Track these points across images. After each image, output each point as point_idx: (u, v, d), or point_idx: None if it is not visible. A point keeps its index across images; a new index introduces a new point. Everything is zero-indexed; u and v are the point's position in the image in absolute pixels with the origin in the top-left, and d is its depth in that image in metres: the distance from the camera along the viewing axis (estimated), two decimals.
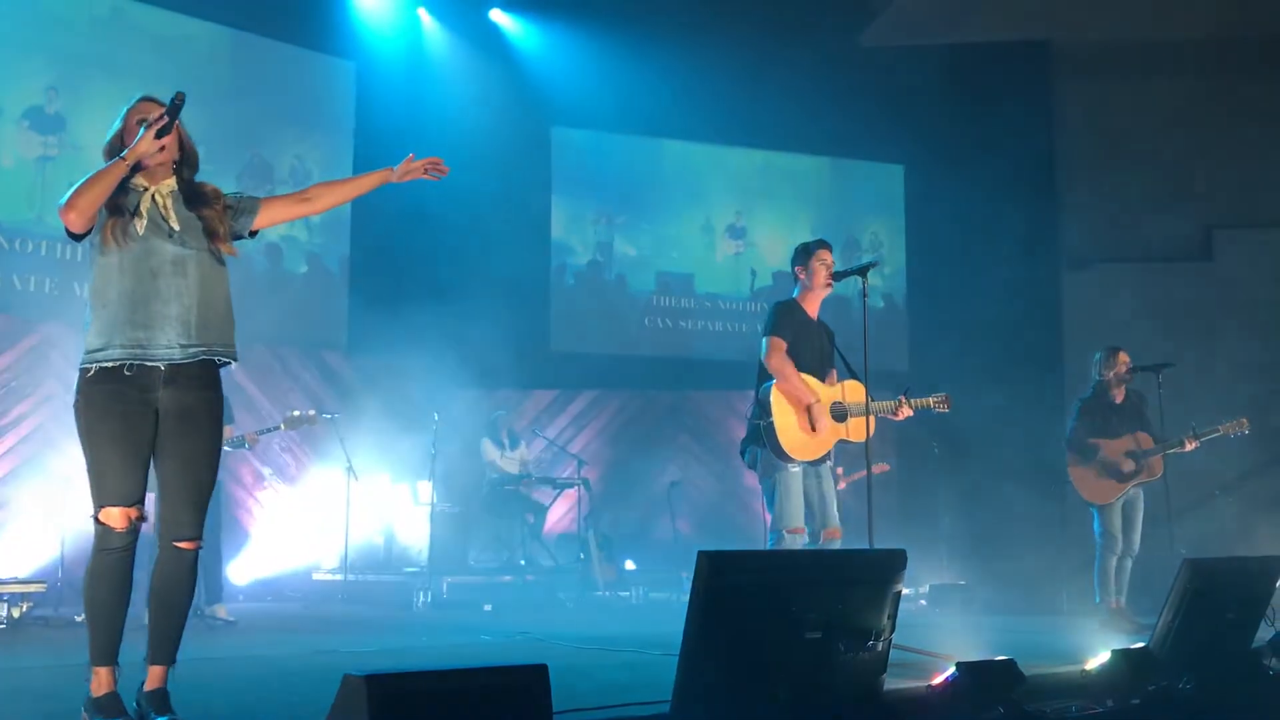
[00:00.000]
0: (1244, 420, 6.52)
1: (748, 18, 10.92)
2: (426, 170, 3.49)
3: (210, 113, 9.16)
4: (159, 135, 3.05)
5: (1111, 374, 6.69)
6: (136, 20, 9.37)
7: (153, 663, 3.09)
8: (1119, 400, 6.68)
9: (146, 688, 3.06)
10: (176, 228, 3.12)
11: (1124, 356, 6.70)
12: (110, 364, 3.05)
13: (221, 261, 3.20)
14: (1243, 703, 4.10)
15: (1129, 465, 6.55)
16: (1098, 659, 4.05)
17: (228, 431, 7.18)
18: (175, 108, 3.08)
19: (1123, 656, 3.95)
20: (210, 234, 3.15)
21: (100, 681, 3.04)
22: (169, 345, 3.07)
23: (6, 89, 8.95)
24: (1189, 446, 6.51)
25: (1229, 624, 4.25)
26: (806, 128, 11.41)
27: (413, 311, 9.49)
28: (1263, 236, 10.76)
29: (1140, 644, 4.13)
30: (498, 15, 11.41)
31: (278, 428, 7.41)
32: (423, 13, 11.01)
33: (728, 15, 10.88)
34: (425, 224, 10.28)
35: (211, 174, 3.37)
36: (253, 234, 3.34)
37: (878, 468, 7.25)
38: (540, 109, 11.30)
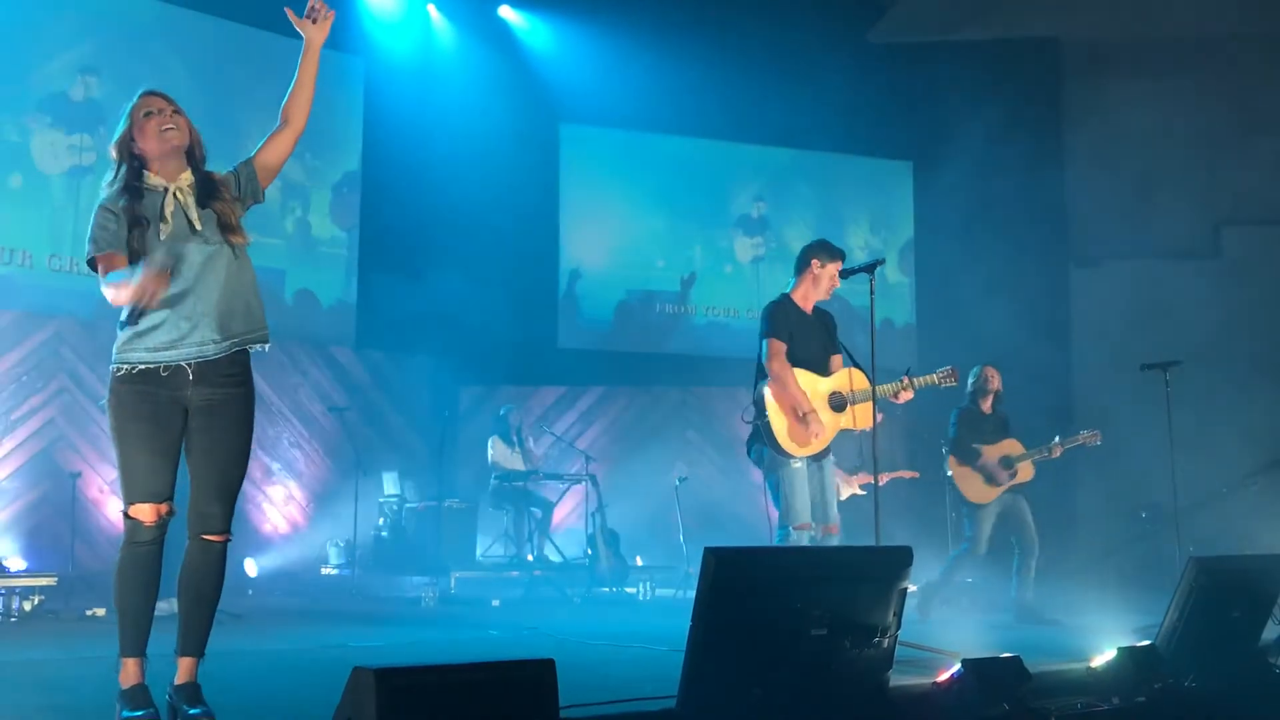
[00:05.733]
0: (1097, 432, 7.09)
1: (757, 14, 10.92)
2: (313, 10, 3.36)
3: (218, 107, 9.18)
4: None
5: (978, 386, 7.24)
6: (142, 16, 9.36)
7: (181, 654, 3.12)
8: (987, 411, 7.22)
9: (177, 681, 3.09)
10: (199, 226, 3.14)
11: (991, 371, 7.26)
12: (143, 366, 3.09)
13: (242, 247, 3.21)
14: (1248, 701, 4.10)
15: (1003, 469, 7.03)
16: (1103, 656, 4.05)
17: None
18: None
19: (1129, 654, 3.96)
20: (224, 227, 3.16)
21: (129, 673, 3.07)
22: (201, 343, 3.10)
23: (21, 69, 8.32)
24: (1056, 453, 7.06)
25: (1235, 622, 4.25)
26: (814, 124, 11.41)
27: (420, 307, 9.52)
28: (1271, 233, 10.73)
29: (1146, 642, 4.13)
30: (506, 11, 11.42)
31: None
32: (432, 9, 11.02)
33: (736, 12, 10.89)
34: (433, 220, 10.32)
35: (218, 169, 3.38)
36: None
37: (904, 473, 7.56)
38: (548, 105, 11.31)
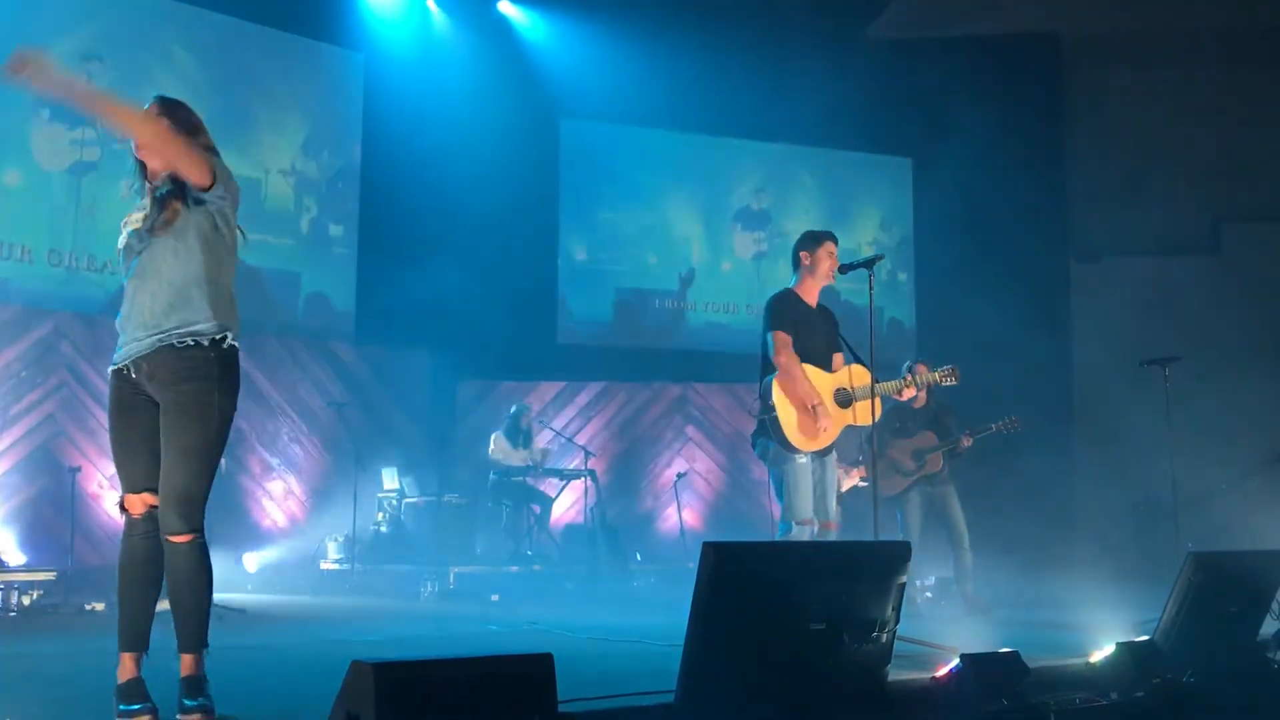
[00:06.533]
0: (1015, 418, 7.11)
1: (756, 9, 10.90)
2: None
3: (220, 102, 9.17)
4: None
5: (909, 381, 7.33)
6: (147, 11, 9.33)
7: (179, 650, 3.12)
8: (917, 405, 7.26)
9: (180, 674, 3.11)
10: (137, 225, 3.20)
11: (922, 367, 7.17)
12: (112, 366, 3.22)
13: (182, 242, 3.13)
14: (1247, 696, 4.10)
15: (911, 462, 7.15)
16: (1102, 652, 4.06)
17: None
18: None
19: (1127, 649, 3.96)
20: (154, 226, 3.14)
21: (125, 667, 3.08)
22: (138, 340, 3.14)
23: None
24: (965, 444, 7.13)
25: (1234, 617, 4.26)
26: (814, 120, 11.38)
27: (420, 302, 9.52)
28: (1270, 229, 10.73)
29: (1145, 637, 4.14)
30: (506, 7, 11.41)
31: None
32: (431, 4, 11.01)
33: (736, 7, 10.86)
34: (433, 215, 10.31)
35: (226, 160, 3.37)
36: (208, 188, 3.16)
37: (858, 471, 7.53)
38: (548, 100, 11.30)
